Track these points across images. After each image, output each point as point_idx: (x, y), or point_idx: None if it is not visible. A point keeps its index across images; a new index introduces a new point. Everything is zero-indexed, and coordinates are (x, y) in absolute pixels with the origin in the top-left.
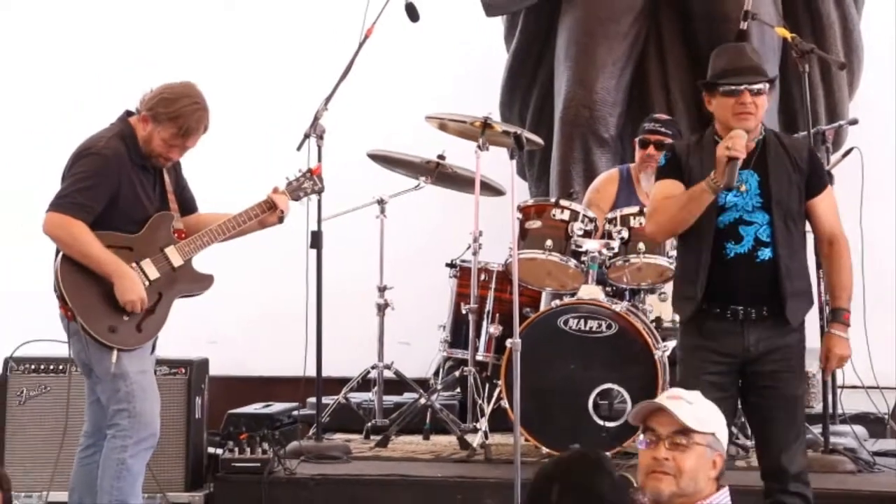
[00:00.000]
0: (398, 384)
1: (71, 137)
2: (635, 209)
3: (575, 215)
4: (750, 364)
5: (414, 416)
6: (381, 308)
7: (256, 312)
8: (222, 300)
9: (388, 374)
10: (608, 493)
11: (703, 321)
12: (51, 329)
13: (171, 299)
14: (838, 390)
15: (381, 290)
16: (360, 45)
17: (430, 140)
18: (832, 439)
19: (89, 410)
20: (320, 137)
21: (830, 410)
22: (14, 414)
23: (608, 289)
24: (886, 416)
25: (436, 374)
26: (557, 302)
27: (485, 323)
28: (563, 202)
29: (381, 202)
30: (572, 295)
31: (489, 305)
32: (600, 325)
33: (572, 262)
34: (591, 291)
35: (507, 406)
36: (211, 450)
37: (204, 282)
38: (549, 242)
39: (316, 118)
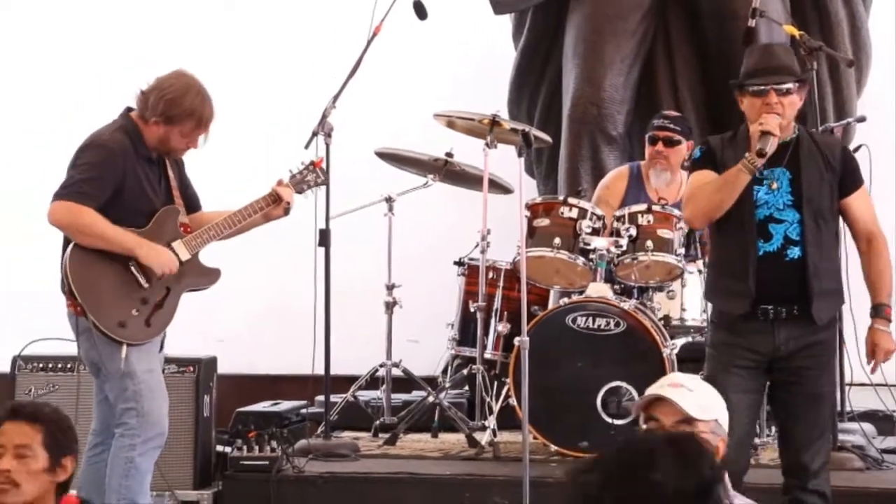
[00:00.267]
0: (406, 382)
1: (71, 137)
2: (643, 207)
3: (583, 213)
4: (778, 361)
5: (422, 414)
6: (390, 306)
7: (265, 310)
8: (230, 298)
9: (396, 372)
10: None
11: (734, 320)
12: (54, 329)
13: (179, 293)
14: (846, 388)
15: (390, 288)
16: (369, 42)
17: (438, 138)
18: (840, 437)
19: (97, 409)
20: (328, 135)
21: (839, 408)
22: None
23: (616, 287)
24: (895, 414)
25: (444, 372)
26: (565, 300)
27: (493, 321)
28: (571, 200)
29: (389, 200)
30: (580, 293)
31: (497, 303)
32: (608, 323)
33: (580, 260)
34: (599, 289)
35: (515, 404)
36: (219, 448)
37: (211, 275)
38: (557, 240)
39: (324, 116)
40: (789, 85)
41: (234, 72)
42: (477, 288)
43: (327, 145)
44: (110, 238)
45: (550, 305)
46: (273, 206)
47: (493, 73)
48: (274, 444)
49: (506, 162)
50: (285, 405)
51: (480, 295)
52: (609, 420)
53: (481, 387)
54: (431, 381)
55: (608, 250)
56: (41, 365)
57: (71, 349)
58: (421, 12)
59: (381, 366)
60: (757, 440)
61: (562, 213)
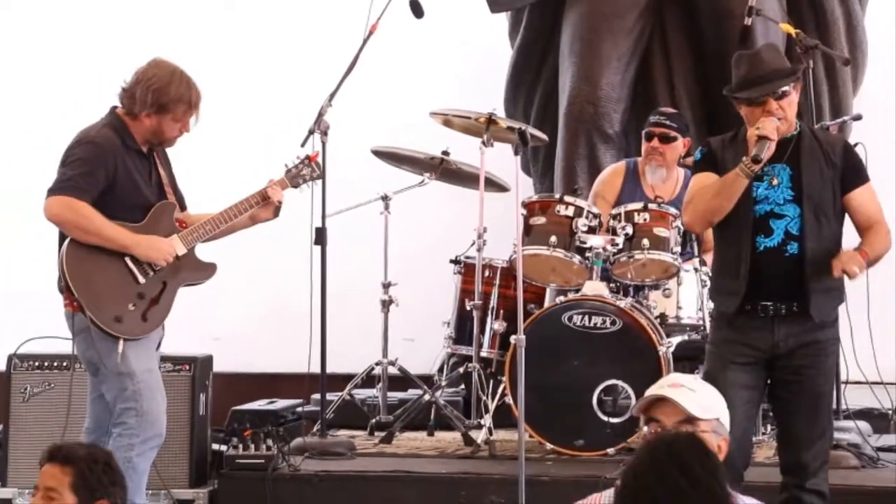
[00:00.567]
0: (402, 380)
1: (71, 137)
2: (639, 205)
3: (579, 211)
4: (778, 359)
5: (418, 413)
6: (386, 304)
7: (261, 309)
8: (227, 297)
9: (392, 370)
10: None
11: (734, 316)
12: (51, 328)
13: (176, 288)
14: (842, 386)
15: (386, 286)
16: (365, 41)
17: (434, 136)
18: (836, 435)
19: (91, 407)
20: (324, 134)
21: (834, 406)
22: (18, 411)
23: (612, 285)
24: (890, 412)
25: (440, 370)
26: (562, 298)
27: (489, 319)
28: (567, 198)
29: (385, 198)
30: (576, 291)
31: (493, 302)
32: (604, 322)
33: (576, 259)
34: (595, 287)
35: (511, 402)
36: (215, 446)
37: (207, 270)
38: (553, 238)
39: (320, 114)
40: (786, 87)
41: (232, 71)
42: (473, 286)
43: (323, 143)
44: (107, 235)
45: (547, 304)
46: (262, 206)
47: (489, 72)
48: (270, 442)
49: (502, 160)
50: (281, 403)
51: (477, 293)
52: (605, 418)
53: (477, 385)
54: (427, 380)
55: (604, 248)
56: (37, 363)
57: (66, 348)
58: (417, 11)
59: (377, 364)
60: (753, 438)
61: (558, 212)
